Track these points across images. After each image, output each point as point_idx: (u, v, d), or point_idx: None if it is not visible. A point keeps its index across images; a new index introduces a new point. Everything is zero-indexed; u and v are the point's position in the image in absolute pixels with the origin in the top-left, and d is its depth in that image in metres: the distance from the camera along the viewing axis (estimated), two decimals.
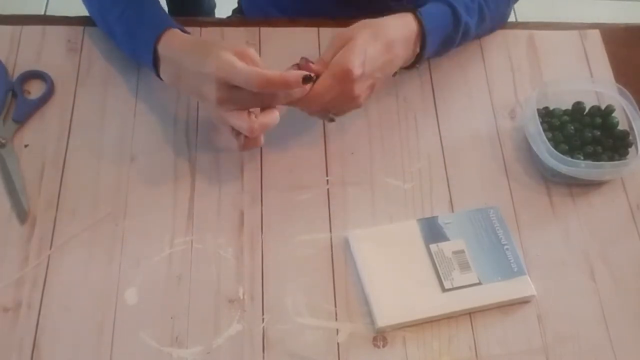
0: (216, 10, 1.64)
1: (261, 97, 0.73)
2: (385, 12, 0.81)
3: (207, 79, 0.71)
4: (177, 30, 0.78)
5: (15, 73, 0.85)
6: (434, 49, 0.85)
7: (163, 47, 0.76)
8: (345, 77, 0.74)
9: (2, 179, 0.78)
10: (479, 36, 0.93)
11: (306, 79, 0.72)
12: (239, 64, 0.71)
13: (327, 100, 0.76)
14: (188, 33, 0.79)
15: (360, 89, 0.76)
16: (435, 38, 0.83)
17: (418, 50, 0.82)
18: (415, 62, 0.84)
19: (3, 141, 0.80)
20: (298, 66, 0.76)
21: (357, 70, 0.74)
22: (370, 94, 0.80)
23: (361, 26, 0.78)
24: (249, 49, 0.74)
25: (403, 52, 0.80)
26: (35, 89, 0.85)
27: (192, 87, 0.74)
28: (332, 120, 0.80)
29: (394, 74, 0.83)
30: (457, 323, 0.73)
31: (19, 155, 0.80)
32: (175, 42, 0.76)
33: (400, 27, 0.80)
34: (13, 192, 0.77)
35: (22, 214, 0.76)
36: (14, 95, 0.84)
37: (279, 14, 1.04)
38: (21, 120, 0.82)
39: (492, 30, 0.94)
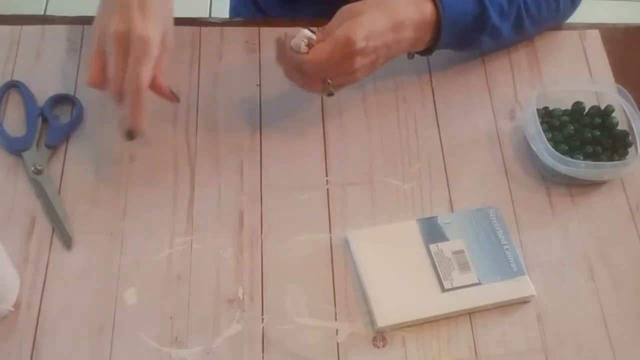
0: (215, 10, 1.64)
1: None
2: None
3: None
4: None
5: (38, 92, 0.84)
6: (450, 42, 0.84)
7: None
8: (347, 47, 0.73)
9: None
10: (526, 38, 0.92)
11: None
12: None
13: (327, 68, 0.75)
14: None
15: (360, 62, 0.76)
16: (452, 30, 0.82)
17: (430, 37, 0.81)
18: (429, 50, 0.83)
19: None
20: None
21: (360, 42, 0.73)
22: (371, 70, 0.79)
23: (372, 2, 0.77)
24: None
25: (413, 35, 0.79)
26: (64, 113, 0.84)
27: None
28: (330, 94, 0.78)
29: (411, 56, 0.84)
30: (456, 323, 0.73)
31: None
32: None
33: (413, 10, 0.79)
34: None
35: (68, 241, 0.75)
36: (45, 120, 0.82)
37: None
38: (54, 145, 0.81)
39: (541, 30, 0.92)
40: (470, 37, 0.85)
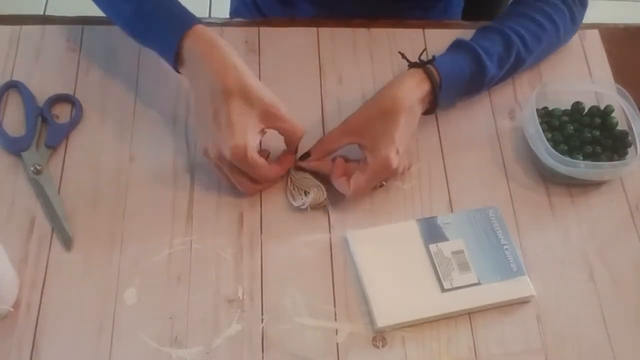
0: (216, 10, 1.63)
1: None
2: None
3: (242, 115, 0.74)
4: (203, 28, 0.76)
5: (38, 92, 0.84)
6: (450, 101, 0.86)
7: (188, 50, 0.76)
8: (388, 170, 0.77)
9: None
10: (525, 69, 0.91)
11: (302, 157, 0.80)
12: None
13: (368, 189, 0.79)
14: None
15: (400, 165, 0.78)
16: (451, 92, 0.83)
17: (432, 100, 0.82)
18: (430, 111, 0.83)
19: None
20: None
21: (394, 162, 0.76)
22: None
23: (377, 115, 0.78)
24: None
25: (420, 110, 0.81)
26: (63, 113, 0.84)
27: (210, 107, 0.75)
28: (381, 185, 0.81)
29: None
30: (456, 323, 0.73)
31: None
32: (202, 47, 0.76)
33: (413, 89, 0.79)
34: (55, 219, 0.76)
35: (67, 241, 0.75)
36: (44, 120, 0.82)
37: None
38: (54, 145, 0.81)
39: (542, 59, 0.92)
40: (469, 92, 0.87)
